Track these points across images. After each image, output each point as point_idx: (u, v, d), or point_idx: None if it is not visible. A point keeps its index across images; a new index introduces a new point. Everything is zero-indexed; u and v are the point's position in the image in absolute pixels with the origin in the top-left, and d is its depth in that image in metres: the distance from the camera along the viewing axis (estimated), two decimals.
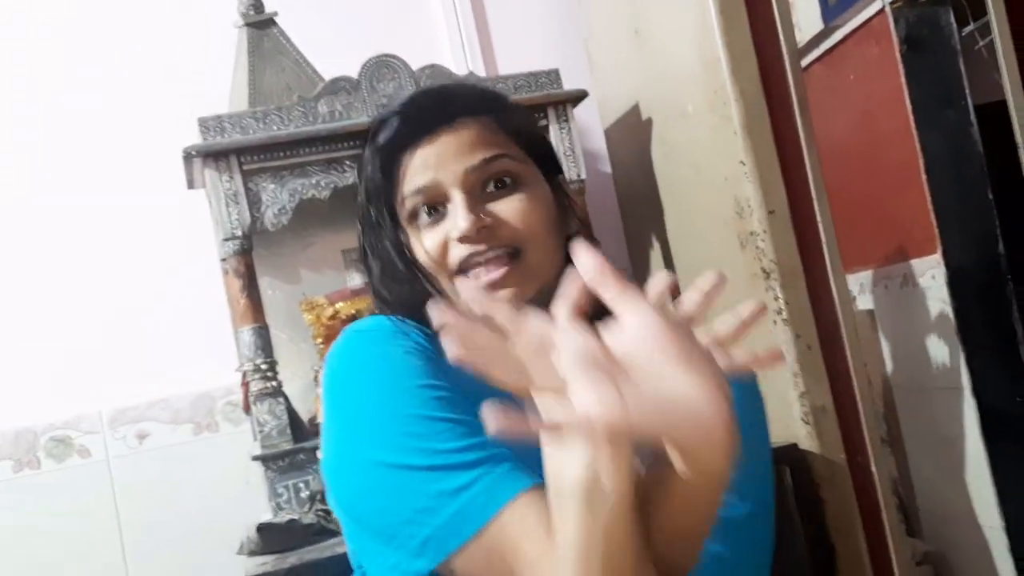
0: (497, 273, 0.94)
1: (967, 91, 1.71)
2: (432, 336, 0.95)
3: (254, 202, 1.60)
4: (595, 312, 0.65)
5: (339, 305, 1.72)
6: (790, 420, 1.47)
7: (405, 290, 1.00)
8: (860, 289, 1.97)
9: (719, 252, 1.58)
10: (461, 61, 2.07)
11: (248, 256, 1.61)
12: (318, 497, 1.46)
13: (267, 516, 1.50)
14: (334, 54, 1.83)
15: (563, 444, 0.67)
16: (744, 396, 0.98)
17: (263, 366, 1.58)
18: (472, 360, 0.56)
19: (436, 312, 0.58)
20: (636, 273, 2.01)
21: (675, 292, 0.71)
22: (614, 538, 0.70)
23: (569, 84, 1.77)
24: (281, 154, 1.61)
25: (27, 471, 1.84)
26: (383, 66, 1.67)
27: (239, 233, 1.59)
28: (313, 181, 1.63)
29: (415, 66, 1.68)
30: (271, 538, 1.39)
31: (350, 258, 1.84)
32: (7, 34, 1.95)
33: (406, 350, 0.93)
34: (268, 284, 1.83)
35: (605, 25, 1.95)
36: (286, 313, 1.83)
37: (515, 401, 0.59)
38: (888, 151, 1.84)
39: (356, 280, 1.82)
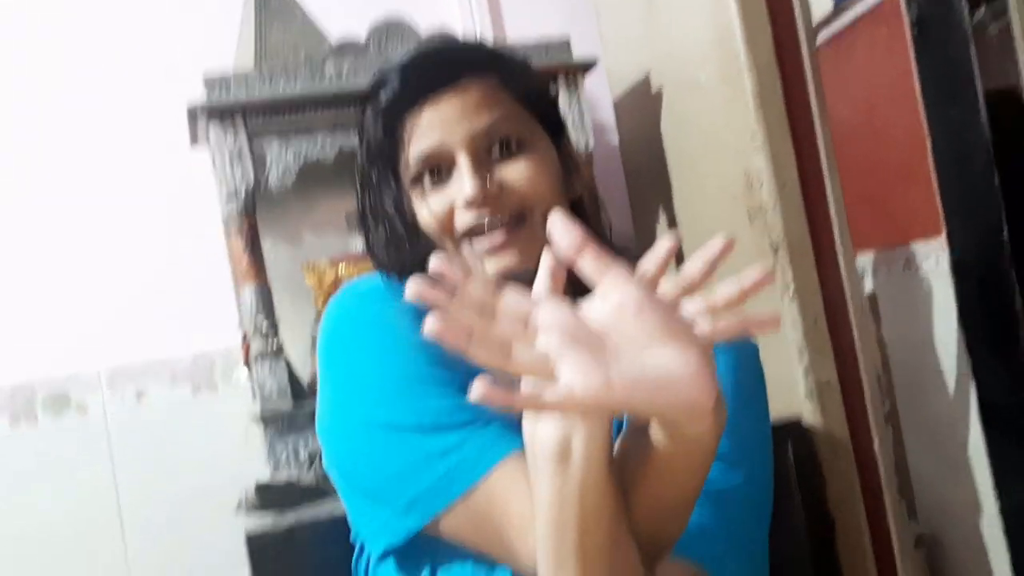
0: (502, 238, 0.93)
1: (977, 75, 1.69)
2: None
3: (258, 162, 1.58)
4: (577, 286, 0.64)
5: (341, 268, 1.71)
6: (794, 395, 1.47)
7: (405, 254, 0.99)
8: (861, 273, 1.96)
9: (727, 226, 1.56)
10: (470, 27, 2.05)
11: (251, 215, 1.59)
12: (317, 458, 1.46)
13: (265, 476, 1.49)
14: (341, 16, 1.81)
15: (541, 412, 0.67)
16: (740, 363, 0.97)
17: (264, 326, 1.57)
18: (452, 338, 0.54)
19: (413, 286, 0.56)
20: (641, 247, 2.00)
21: (679, 258, 0.69)
22: (588, 502, 0.70)
23: (579, 54, 1.75)
24: (286, 114, 1.60)
25: (24, 426, 1.83)
26: (391, 29, 1.66)
27: (243, 192, 1.57)
28: (318, 143, 1.61)
29: (423, 30, 1.67)
30: (269, 497, 1.38)
31: (353, 222, 1.83)
32: None
33: (399, 311, 0.92)
34: (270, 246, 1.82)
35: None
36: (288, 276, 1.82)
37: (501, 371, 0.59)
38: (895, 134, 1.83)
39: (359, 244, 1.81)
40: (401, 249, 0.99)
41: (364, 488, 0.89)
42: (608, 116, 2.09)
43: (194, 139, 1.76)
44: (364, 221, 1.03)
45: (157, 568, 1.85)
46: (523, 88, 0.99)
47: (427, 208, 0.96)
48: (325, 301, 1.69)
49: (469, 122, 0.94)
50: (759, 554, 0.94)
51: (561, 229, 0.60)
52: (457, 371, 0.84)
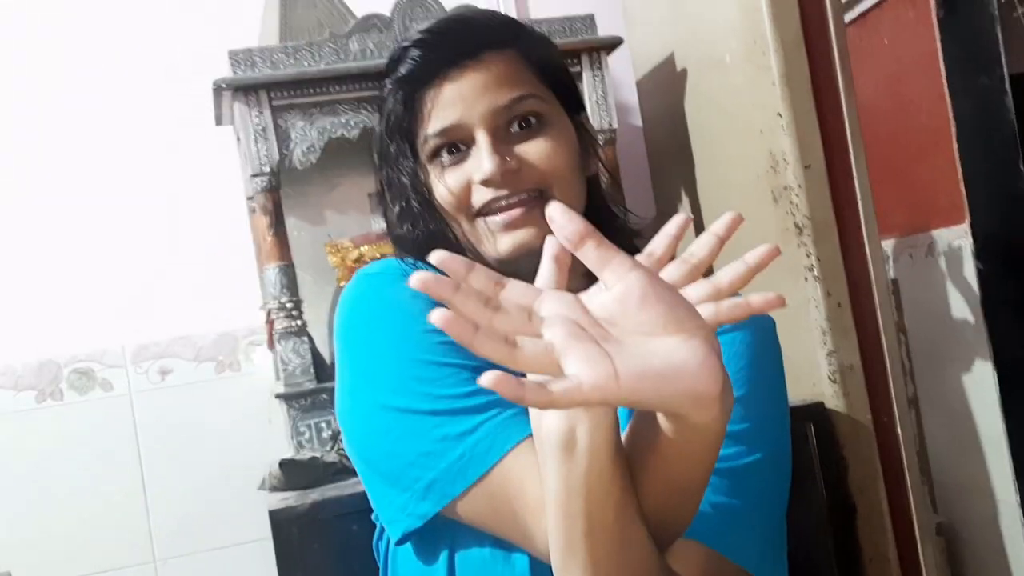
0: (519, 213, 0.93)
1: (1003, 58, 1.67)
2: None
3: (283, 139, 1.58)
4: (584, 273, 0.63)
5: (364, 248, 1.71)
6: (817, 378, 1.46)
7: (420, 229, 0.98)
8: (884, 258, 1.94)
9: (751, 206, 1.55)
10: (494, 3, 2.04)
11: (276, 193, 1.60)
12: (340, 436, 1.46)
13: (288, 454, 1.50)
14: None
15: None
16: (756, 339, 0.96)
17: (288, 304, 1.58)
18: (457, 332, 0.54)
19: (417, 278, 0.56)
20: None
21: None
22: (594, 491, 0.70)
23: (603, 32, 1.74)
24: (311, 91, 1.60)
25: (50, 402, 1.85)
26: (416, 5, 1.65)
27: (267, 169, 1.57)
28: (342, 120, 1.61)
29: (448, 6, 1.66)
30: (294, 474, 1.39)
31: (376, 201, 1.83)
32: None
33: (414, 295, 0.91)
34: (294, 225, 1.82)
35: None
36: (311, 255, 1.82)
37: None
38: (919, 118, 1.81)
39: (382, 223, 1.81)
40: (416, 226, 0.99)
41: (382, 472, 0.89)
42: (631, 95, 2.07)
43: (219, 120, 1.76)
44: (383, 196, 1.04)
45: (181, 544, 1.87)
46: (543, 63, 0.99)
47: (444, 184, 0.96)
48: (347, 280, 1.70)
49: (489, 98, 0.93)
50: (776, 534, 0.94)
51: (561, 220, 0.59)
52: (472, 355, 0.84)
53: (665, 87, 1.86)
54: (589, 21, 1.72)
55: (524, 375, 0.56)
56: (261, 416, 1.85)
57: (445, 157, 0.96)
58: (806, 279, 1.45)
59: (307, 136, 1.59)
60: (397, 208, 1.01)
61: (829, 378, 1.45)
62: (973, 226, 1.69)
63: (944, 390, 1.83)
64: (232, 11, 1.91)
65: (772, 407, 0.96)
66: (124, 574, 1.86)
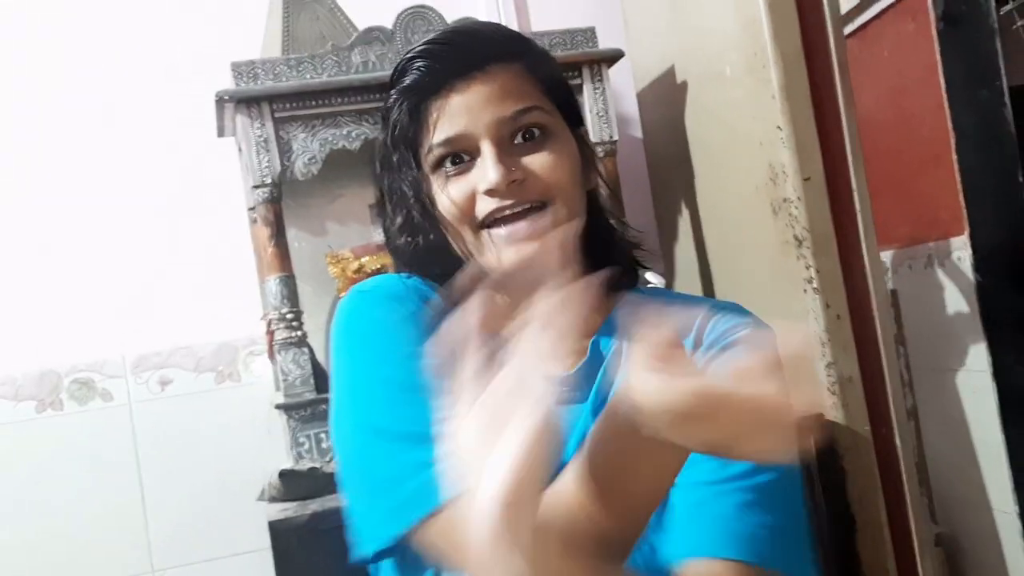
0: (523, 225, 0.93)
1: (1003, 71, 1.67)
2: (440, 291, 0.95)
3: (284, 150, 1.59)
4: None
5: (365, 259, 1.71)
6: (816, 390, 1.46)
7: (420, 241, 0.99)
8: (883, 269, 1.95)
9: (750, 218, 1.56)
10: (495, 15, 2.05)
11: (277, 204, 1.60)
12: None
13: (288, 465, 1.50)
14: (368, 4, 1.81)
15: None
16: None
17: (288, 315, 1.58)
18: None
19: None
20: (663, 240, 1.99)
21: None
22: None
23: (604, 45, 1.74)
24: (313, 103, 1.60)
25: (50, 412, 1.85)
26: (418, 17, 1.65)
27: (269, 181, 1.58)
28: (344, 132, 1.62)
29: (449, 19, 1.66)
30: (293, 485, 1.39)
31: (376, 212, 1.83)
32: None
33: (403, 316, 0.93)
34: (294, 236, 1.82)
35: None
36: (311, 266, 1.82)
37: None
38: (919, 130, 1.82)
39: (382, 235, 1.81)
40: (416, 237, 0.99)
41: (355, 490, 0.90)
42: (632, 108, 2.08)
43: (221, 131, 1.76)
44: (383, 206, 1.04)
45: (180, 555, 1.87)
46: (547, 77, 0.99)
47: (447, 194, 0.96)
48: (347, 291, 1.70)
49: (494, 109, 0.94)
50: (809, 542, 0.94)
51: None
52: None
53: (665, 99, 1.87)
54: (590, 34, 1.73)
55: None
56: (261, 426, 1.85)
57: (449, 167, 0.96)
58: (805, 291, 1.45)
59: (309, 148, 1.60)
60: (398, 219, 1.01)
61: (828, 389, 1.45)
62: (973, 238, 1.69)
63: (943, 401, 1.84)
64: (235, 21, 1.93)
65: None
66: None
